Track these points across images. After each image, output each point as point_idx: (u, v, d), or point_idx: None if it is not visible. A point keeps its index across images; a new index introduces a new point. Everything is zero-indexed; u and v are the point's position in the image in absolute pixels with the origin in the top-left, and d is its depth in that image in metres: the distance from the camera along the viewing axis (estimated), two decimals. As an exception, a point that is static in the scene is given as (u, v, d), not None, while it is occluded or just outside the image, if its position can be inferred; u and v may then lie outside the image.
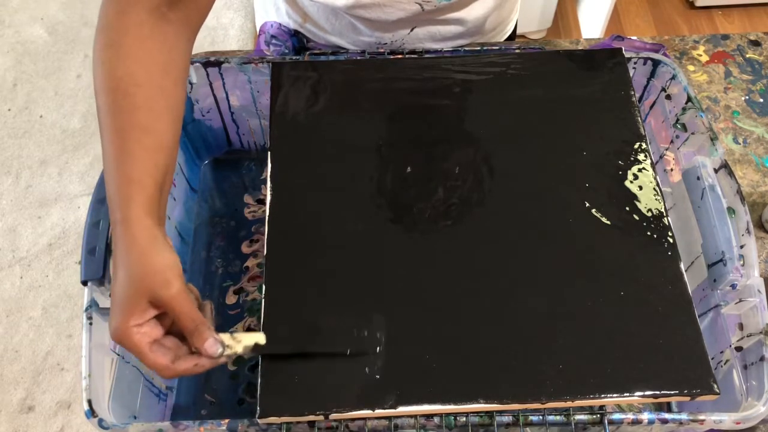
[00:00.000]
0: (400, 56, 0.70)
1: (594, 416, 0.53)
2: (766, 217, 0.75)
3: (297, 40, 0.81)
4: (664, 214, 0.59)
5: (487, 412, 0.52)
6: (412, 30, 0.77)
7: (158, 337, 0.49)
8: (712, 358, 0.58)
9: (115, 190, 0.50)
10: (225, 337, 0.50)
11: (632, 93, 0.66)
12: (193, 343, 0.49)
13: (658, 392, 0.51)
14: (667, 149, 0.71)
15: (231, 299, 0.75)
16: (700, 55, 0.88)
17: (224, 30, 1.92)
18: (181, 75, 0.57)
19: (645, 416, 0.52)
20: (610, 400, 0.51)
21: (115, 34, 0.53)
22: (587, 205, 0.60)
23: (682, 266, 0.57)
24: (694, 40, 0.89)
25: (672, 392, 0.51)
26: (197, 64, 0.71)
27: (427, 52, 0.71)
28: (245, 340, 0.51)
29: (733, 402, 0.56)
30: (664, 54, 0.71)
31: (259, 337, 0.52)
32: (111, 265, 0.56)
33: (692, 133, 0.66)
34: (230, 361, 0.51)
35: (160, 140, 0.53)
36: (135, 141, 0.51)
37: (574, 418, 0.53)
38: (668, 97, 0.70)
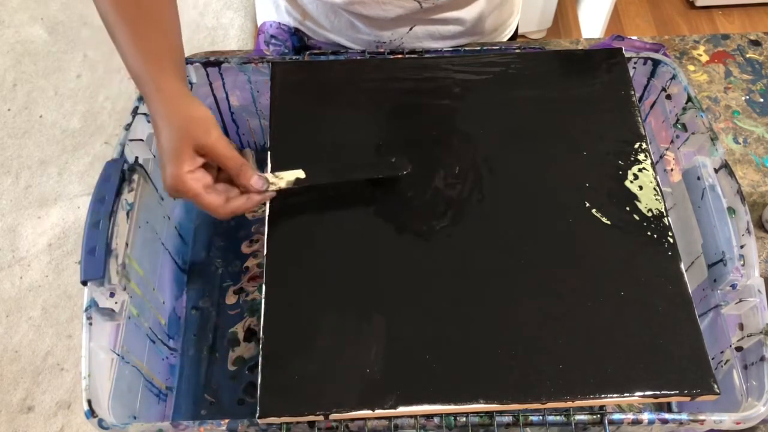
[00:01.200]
0: (400, 56, 0.70)
1: (594, 416, 0.53)
2: (766, 217, 0.75)
3: (297, 39, 0.81)
4: (664, 214, 0.59)
5: (487, 412, 0.52)
6: (411, 29, 0.77)
7: (209, 183, 0.54)
8: (712, 358, 0.58)
9: (141, 67, 0.55)
10: (268, 175, 0.56)
11: (632, 93, 0.66)
12: (239, 181, 0.55)
13: (658, 392, 0.51)
14: (667, 149, 0.71)
15: (231, 299, 0.75)
16: (700, 55, 0.88)
17: (224, 30, 1.92)
18: None
19: (645, 416, 0.52)
20: (610, 400, 0.51)
21: None
22: (587, 205, 0.60)
23: (682, 266, 0.57)
24: (694, 40, 0.89)
25: (672, 392, 0.51)
26: (197, 64, 0.71)
27: (427, 51, 0.71)
28: (286, 177, 0.57)
29: (733, 402, 0.56)
30: (664, 54, 0.70)
31: (299, 172, 0.57)
32: (152, 131, 0.61)
33: (692, 133, 0.66)
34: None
35: (170, 25, 0.58)
36: (148, 25, 0.56)
37: (574, 418, 0.53)
38: (668, 97, 0.70)
